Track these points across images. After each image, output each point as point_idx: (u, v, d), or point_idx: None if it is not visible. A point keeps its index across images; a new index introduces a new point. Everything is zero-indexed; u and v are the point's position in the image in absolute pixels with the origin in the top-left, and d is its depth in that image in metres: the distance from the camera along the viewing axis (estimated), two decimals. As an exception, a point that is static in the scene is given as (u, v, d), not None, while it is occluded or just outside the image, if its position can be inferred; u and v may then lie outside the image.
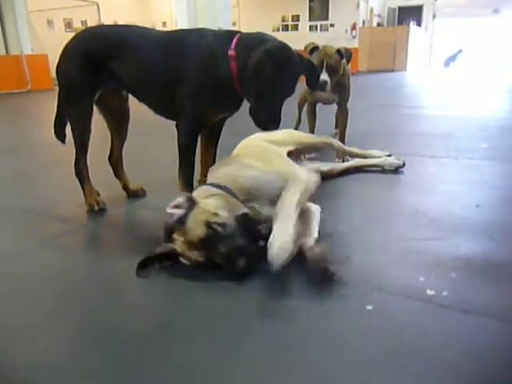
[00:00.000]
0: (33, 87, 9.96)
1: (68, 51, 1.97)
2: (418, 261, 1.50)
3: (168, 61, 1.78)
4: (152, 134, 4.00)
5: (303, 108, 3.45)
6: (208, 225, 1.40)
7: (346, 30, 15.53)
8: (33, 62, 10.10)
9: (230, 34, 1.71)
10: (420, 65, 16.07)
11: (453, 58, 16.99)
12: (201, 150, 2.08)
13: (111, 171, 2.28)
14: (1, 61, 9.72)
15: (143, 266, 1.45)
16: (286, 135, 2.28)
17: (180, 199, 1.50)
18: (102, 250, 1.77)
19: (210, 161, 2.07)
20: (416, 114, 5.08)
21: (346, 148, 2.65)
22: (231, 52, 1.64)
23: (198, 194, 1.58)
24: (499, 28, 17.63)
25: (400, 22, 17.01)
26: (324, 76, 2.75)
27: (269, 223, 1.43)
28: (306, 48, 2.92)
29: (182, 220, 1.45)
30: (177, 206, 1.48)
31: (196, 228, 1.41)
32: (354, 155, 2.64)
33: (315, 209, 1.69)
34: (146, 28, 1.97)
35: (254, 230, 1.41)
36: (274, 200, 1.55)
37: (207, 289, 1.37)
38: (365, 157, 2.64)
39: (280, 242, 1.31)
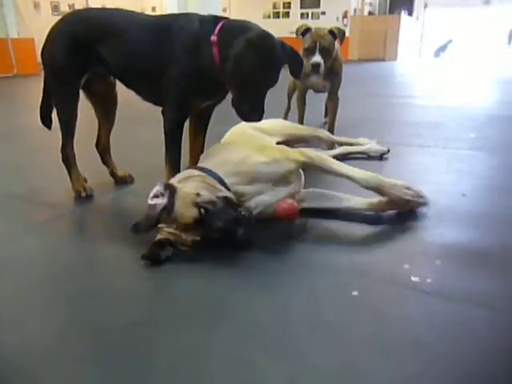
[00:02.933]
0: (19, 72, 9.79)
1: (54, 34, 1.93)
2: (403, 249, 1.53)
3: (154, 46, 1.76)
4: (139, 119, 3.95)
5: (293, 96, 3.42)
6: (197, 205, 1.41)
7: (338, 18, 15.45)
8: (19, 45, 9.90)
9: (216, 20, 1.68)
10: (411, 54, 16.07)
11: (443, 49, 17.03)
12: (189, 138, 2.07)
13: (98, 157, 2.26)
14: (-14, 44, 9.52)
15: (148, 258, 1.42)
16: (275, 125, 2.27)
17: (158, 187, 1.49)
18: (89, 236, 1.76)
19: (198, 148, 2.06)
20: (406, 104, 5.09)
21: (335, 138, 2.66)
22: (213, 37, 1.61)
23: (177, 177, 1.58)
24: (489, 19, 17.68)
25: (391, 11, 16.94)
26: (317, 58, 2.70)
27: (249, 208, 1.49)
28: (297, 30, 2.87)
29: (167, 209, 1.44)
30: (156, 196, 1.48)
31: (187, 211, 1.42)
32: (341, 144, 2.64)
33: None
34: (134, 12, 1.94)
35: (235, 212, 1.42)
36: (276, 180, 1.64)
37: (191, 273, 1.37)
38: (351, 145, 2.65)
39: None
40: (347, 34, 14.11)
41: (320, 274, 1.34)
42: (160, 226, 1.47)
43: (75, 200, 2.05)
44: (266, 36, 1.58)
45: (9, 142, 3.41)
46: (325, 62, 2.73)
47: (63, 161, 2.07)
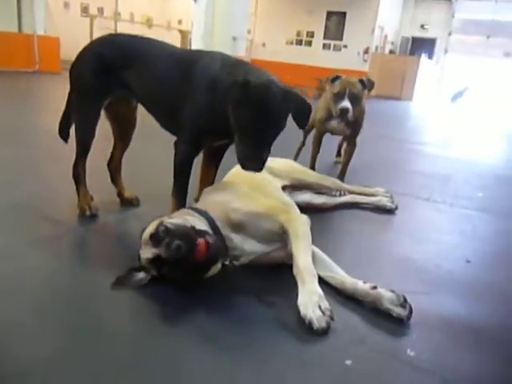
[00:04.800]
0: (40, 68, 9.91)
1: (85, 54, 1.98)
2: (402, 316, 1.50)
3: (177, 80, 1.79)
4: (151, 137, 3.97)
5: (310, 133, 3.43)
6: (160, 223, 1.47)
7: (359, 53, 15.65)
8: (44, 43, 10.05)
9: (237, 66, 1.70)
10: (427, 96, 16.22)
11: (460, 95, 17.17)
12: (201, 168, 2.08)
13: (108, 176, 2.26)
14: (13, 38, 9.66)
15: (119, 283, 1.47)
16: (284, 166, 2.27)
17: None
18: (88, 261, 1.74)
19: (209, 180, 2.07)
20: (417, 151, 5.11)
21: (344, 186, 2.65)
22: None
23: (174, 214, 1.62)
24: (508, 72, 17.85)
25: (412, 52, 17.19)
26: (346, 103, 2.69)
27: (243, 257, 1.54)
28: (326, 79, 2.92)
29: (144, 229, 1.54)
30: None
31: (150, 228, 1.50)
32: (352, 192, 2.63)
33: (316, 249, 1.67)
34: (163, 43, 1.97)
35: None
36: (260, 238, 1.60)
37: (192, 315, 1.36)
38: (365, 194, 2.64)
39: (313, 305, 1.34)
40: (366, 69, 14.37)
41: (314, 336, 1.31)
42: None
43: (79, 217, 2.05)
44: (267, 81, 1.54)
45: (23, 145, 3.42)
46: (353, 109, 2.72)
47: (73, 177, 2.08)
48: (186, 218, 1.52)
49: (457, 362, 1.28)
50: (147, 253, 1.46)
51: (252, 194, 1.74)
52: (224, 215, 1.58)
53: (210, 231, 1.49)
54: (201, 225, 1.51)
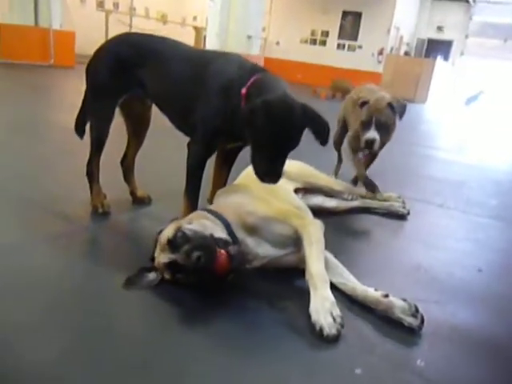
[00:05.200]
0: (55, 62, 9.98)
1: (101, 52, 1.99)
2: (413, 325, 1.49)
3: (191, 80, 1.79)
4: (166, 138, 3.99)
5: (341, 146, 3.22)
6: (178, 228, 1.46)
7: (373, 54, 15.52)
8: (60, 37, 10.12)
9: (253, 70, 1.68)
10: (441, 99, 16.05)
11: (474, 98, 16.95)
12: (214, 170, 2.08)
13: (121, 174, 2.27)
14: (29, 31, 9.75)
15: (130, 282, 1.47)
16: (296, 169, 2.25)
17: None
18: (99, 259, 1.73)
19: (221, 181, 2.07)
20: (431, 156, 5.06)
21: (356, 190, 2.61)
22: (244, 90, 1.62)
23: (190, 216, 1.62)
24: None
25: (427, 54, 16.99)
26: (372, 133, 2.45)
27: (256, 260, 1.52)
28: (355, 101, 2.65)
29: (161, 231, 1.53)
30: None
31: (168, 231, 1.48)
32: (363, 197, 2.60)
33: (329, 255, 1.66)
34: (179, 42, 1.97)
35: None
36: (274, 242, 1.59)
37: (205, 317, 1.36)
38: (378, 200, 2.61)
39: (325, 312, 1.34)
40: (380, 70, 14.26)
41: (324, 343, 1.30)
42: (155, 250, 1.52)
43: (91, 215, 2.06)
44: (284, 98, 1.53)
45: (36, 140, 3.45)
46: (381, 138, 2.47)
47: (87, 175, 2.09)
48: (205, 224, 1.51)
49: (467, 373, 1.27)
50: (163, 257, 1.45)
51: (266, 198, 1.73)
52: (238, 218, 1.57)
53: (229, 239, 1.48)
54: (218, 231, 1.49)
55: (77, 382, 1.07)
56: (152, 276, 1.50)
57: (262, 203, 1.68)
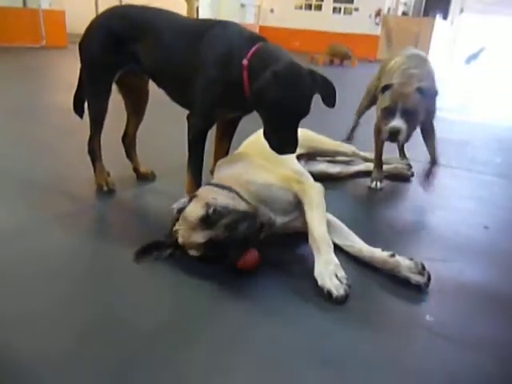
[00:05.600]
0: (47, 43, 9.81)
1: (92, 28, 1.95)
2: (421, 283, 1.51)
3: (188, 51, 1.75)
4: (167, 113, 3.95)
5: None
6: (207, 204, 1.44)
7: (370, 16, 15.16)
8: (50, 17, 9.90)
9: (252, 40, 1.65)
10: (441, 59, 15.75)
11: (475, 56, 16.61)
12: (215, 140, 2.07)
13: (123, 151, 2.27)
14: (17, 13, 9.53)
15: (142, 253, 1.48)
16: (302, 135, 2.23)
17: (183, 199, 1.56)
18: (107, 236, 1.75)
19: (223, 152, 2.06)
20: (432, 116, 5.00)
21: (361, 153, 2.60)
22: (245, 62, 1.59)
23: (201, 192, 1.59)
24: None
25: (426, 13, 16.57)
26: (397, 122, 2.04)
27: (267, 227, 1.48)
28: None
29: (182, 209, 1.51)
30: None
31: (196, 209, 1.45)
32: (367, 160, 2.59)
33: (333, 218, 1.68)
34: (174, 13, 1.93)
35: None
36: (277, 209, 1.59)
37: (205, 284, 1.38)
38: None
39: (329, 275, 1.36)
40: (378, 33, 13.94)
41: (332, 308, 1.32)
42: (175, 228, 1.50)
43: (96, 193, 2.07)
44: (293, 67, 1.52)
45: (34, 123, 3.42)
46: (408, 127, 2.07)
47: (89, 152, 2.09)
48: (228, 198, 1.50)
49: (475, 327, 1.30)
50: (198, 236, 1.42)
51: (265, 165, 1.73)
52: (243, 189, 1.57)
53: (250, 210, 1.48)
54: (241, 204, 1.49)
55: (98, 362, 1.10)
56: (163, 251, 1.50)
57: (261, 171, 1.67)
